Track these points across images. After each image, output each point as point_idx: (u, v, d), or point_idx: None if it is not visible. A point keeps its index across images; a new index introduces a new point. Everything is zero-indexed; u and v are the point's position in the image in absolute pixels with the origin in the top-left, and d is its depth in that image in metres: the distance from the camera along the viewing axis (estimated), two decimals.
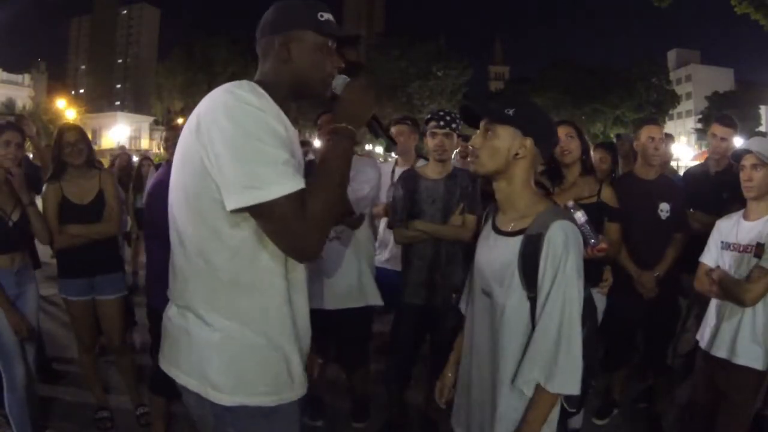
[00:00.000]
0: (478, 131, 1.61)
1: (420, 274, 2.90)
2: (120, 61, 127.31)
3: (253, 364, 1.32)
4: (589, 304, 1.59)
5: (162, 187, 1.97)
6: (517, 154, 1.56)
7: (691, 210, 3.34)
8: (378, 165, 3.31)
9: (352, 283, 3.01)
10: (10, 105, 40.51)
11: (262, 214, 1.22)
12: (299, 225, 1.21)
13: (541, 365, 1.47)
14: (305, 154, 2.92)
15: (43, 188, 3.11)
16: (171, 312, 1.41)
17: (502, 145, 1.56)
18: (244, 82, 1.31)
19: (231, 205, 1.21)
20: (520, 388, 1.51)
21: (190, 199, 1.30)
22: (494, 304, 1.59)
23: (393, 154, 4.34)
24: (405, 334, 3.00)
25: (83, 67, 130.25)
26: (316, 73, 1.43)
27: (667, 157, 4.84)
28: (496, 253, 1.61)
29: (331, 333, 3.14)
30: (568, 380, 1.46)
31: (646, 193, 3.11)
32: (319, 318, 3.10)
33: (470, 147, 1.63)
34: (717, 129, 3.58)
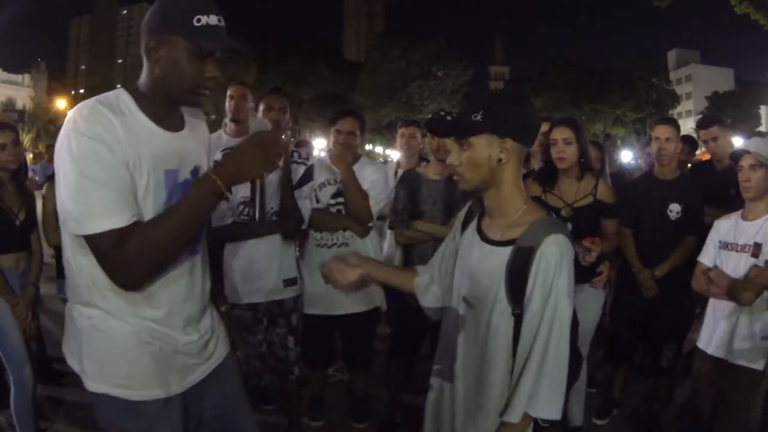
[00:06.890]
0: (454, 148, 1.48)
1: None
2: (120, 61, 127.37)
3: (113, 355, 1.36)
4: (573, 319, 1.50)
5: None
6: (500, 160, 1.42)
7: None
8: (382, 166, 3.33)
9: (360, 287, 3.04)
10: (9, 105, 40.51)
11: (86, 241, 1.26)
12: (113, 259, 1.23)
13: (527, 389, 1.37)
14: (305, 155, 2.93)
15: (44, 187, 3.11)
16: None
17: (482, 156, 1.42)
18: (90, 102, 1.29)
19: (66, 229, 1.30)
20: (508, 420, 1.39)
21: (60, 208, 1.34)
22: (478, 316, 1.48)
23: (391, 156, 4.37)
24: (405, 334, 3.01)
25: (83, 67, 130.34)
26: (181, 82, 1.34)
27: (688, 158, 4.59)
28: (482, 263, 1.48)
29: (336, 334, 3.16)
30: (550, 404, 1.37)
31: (658, 193, 3.12)
32: (326, 321, 3.12)
33: (450, 164, 1.50)
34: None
